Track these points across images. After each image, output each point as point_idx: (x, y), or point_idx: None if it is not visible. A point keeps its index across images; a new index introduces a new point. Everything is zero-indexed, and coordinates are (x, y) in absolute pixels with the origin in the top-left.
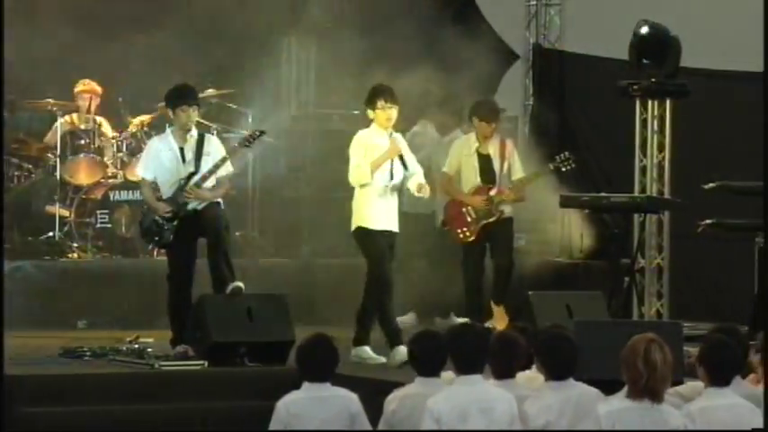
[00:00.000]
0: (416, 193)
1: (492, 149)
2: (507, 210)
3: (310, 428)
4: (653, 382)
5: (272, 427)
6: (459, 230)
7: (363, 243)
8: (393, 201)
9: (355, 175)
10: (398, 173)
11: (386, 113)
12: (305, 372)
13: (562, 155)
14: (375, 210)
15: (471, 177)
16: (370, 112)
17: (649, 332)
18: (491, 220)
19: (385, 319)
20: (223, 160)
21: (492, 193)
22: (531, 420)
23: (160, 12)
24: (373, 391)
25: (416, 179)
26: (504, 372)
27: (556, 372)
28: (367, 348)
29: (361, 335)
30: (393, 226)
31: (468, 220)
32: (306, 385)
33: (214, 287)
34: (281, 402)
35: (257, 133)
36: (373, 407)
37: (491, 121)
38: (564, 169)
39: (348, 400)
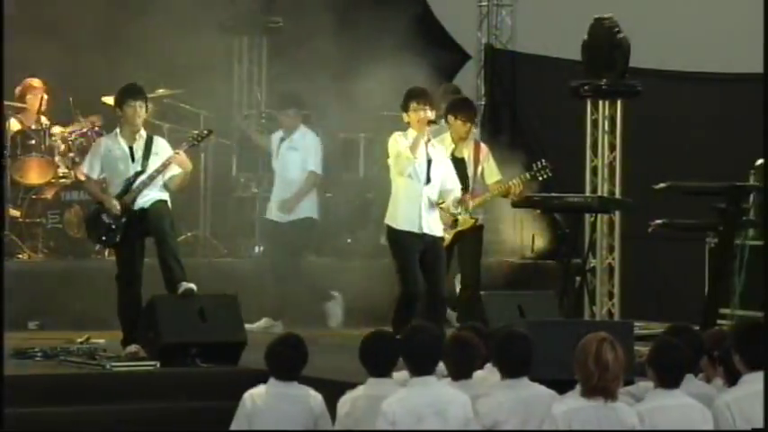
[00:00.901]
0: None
1: (466, 153)
2: (480, 217)
3: (273, 423)
4: (604, 381)
5: (235, 418)
6: None
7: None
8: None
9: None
10: (436, 179)
11: (418, 115)
12: (273, 369)
13: (539, 163)
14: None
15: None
16: (404, 116)
17: (602, 331)
18: (465, 228)
19: None
20: (169, 160)
21: (466, 198)
22: (480, 419)
23: (111, 9)
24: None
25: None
26: (461, 372)
27: (510, 370)
28: None
29: None
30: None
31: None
32: (272, 381)
33: (166, 287)
34: (247, 394)
35: (205, 132)
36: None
37: (466, 120)
38: (541, 178)
39: (313, 399)
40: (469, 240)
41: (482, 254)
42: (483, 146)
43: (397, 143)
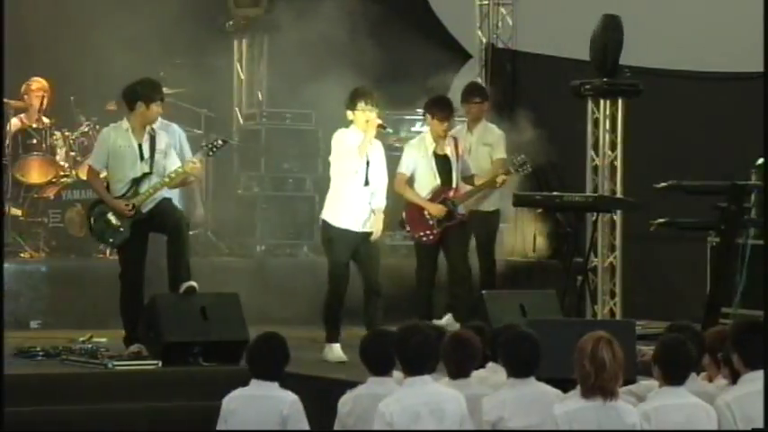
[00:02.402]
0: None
1: (449, 149)
2: (462, 209)
3: (242, 425)
4: (602, 380)
5: (218, 421)
6: (421, 233)
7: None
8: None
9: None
10: (373, 180)
11: (365, 115)
12: (252, 369)
13: (519, 158)
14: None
15: (430, 179)
16: (349, 114)
17: (599, 330)
18: (453, 223)
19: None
20: (185, 171)
21: (451, 195)
22: (484, 415)
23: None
24: (327, 390)
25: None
26: (459, 372)
27: (517, 371)
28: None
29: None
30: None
31: (430, 222)
32: (252, 382)
33: (170, 285)
34: (226, 398)
35: (219, 143)
36: (328, 405)
37: (443, 119)
38: (521, 173)
39: (280, 401)
40: (455, 234)
41: (468, 249)
42: (459, 140)
43: (343, 142)
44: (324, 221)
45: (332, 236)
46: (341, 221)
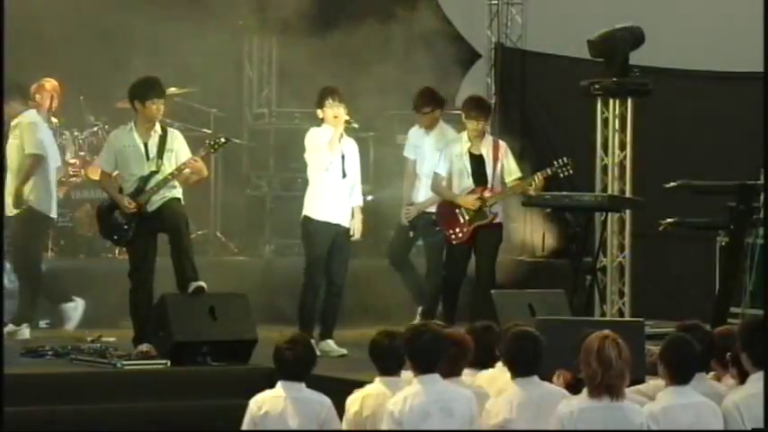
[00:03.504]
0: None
1: (485, 150)
2: (500, 215)
3: (278, 428)
4: (608, 378)
5: (244, 424)
6: (451, 231)
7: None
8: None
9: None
10: (350, 172)
11: (333, 111)
12: (280, 371)
13: (561, 160)
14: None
15: (463, 179)
16: (319, 112)
17: (606, 329)
18: (484, 222)
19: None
20: (186, 166)
21: (485, 194)
22: (491, 417)
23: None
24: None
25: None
26: (450, 371)
27: (520, 370)
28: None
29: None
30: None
31: (461, 221)
32: (280, 384)
33: (178, 285)
34: (253, 400)
35: (222, 140)
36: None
37: (476, 118)
38: (562, 175)
39: (320, 405)
40: (486, 237)
41: (498, 252)
42: (502, 143)
43: (316, 138)
44: (305, 217)
45: (312, 230)
46: (322, 214)
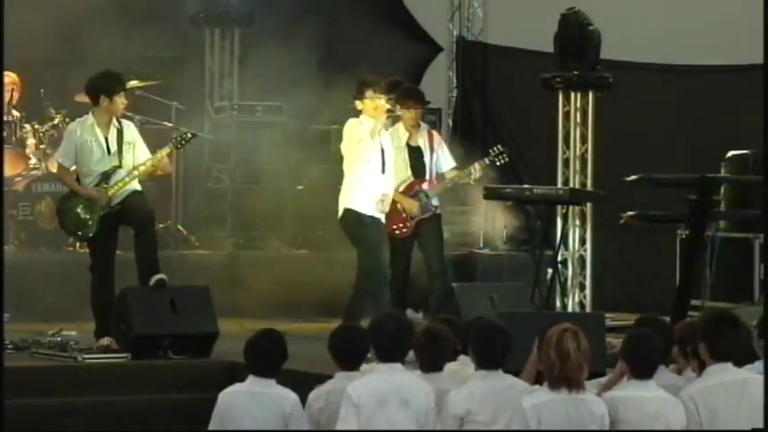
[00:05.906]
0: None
1: (422, 141)
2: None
3: (243, 423)
4: (566, 370)
5: (212, 418)
6: (394, 226)
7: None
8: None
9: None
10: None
11: (374, 103)
12: (250, 365)
13: (495, 148)
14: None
15: (402, 171)
16: (358, 103)
17: (566, 322)
18: (426, 216)
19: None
20: (154, 165)
21: (424, 186)
22: (451, 409)
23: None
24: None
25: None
26: (431, 365)
27: (486, 362)
28: None
29: None
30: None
31: (404, 215)
32: (250, 379)
33: (139, 279)
34: (221, 393)
35: (188, 136)
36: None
37: (414, 107)
38: (498, 163)
39: (284, 399)
40: (429, 227)
41: (443, 244)
42: (435, 134)
43: (356, 130)
44: (349, 210)
45: (364, 221)
46: (366, 208)
